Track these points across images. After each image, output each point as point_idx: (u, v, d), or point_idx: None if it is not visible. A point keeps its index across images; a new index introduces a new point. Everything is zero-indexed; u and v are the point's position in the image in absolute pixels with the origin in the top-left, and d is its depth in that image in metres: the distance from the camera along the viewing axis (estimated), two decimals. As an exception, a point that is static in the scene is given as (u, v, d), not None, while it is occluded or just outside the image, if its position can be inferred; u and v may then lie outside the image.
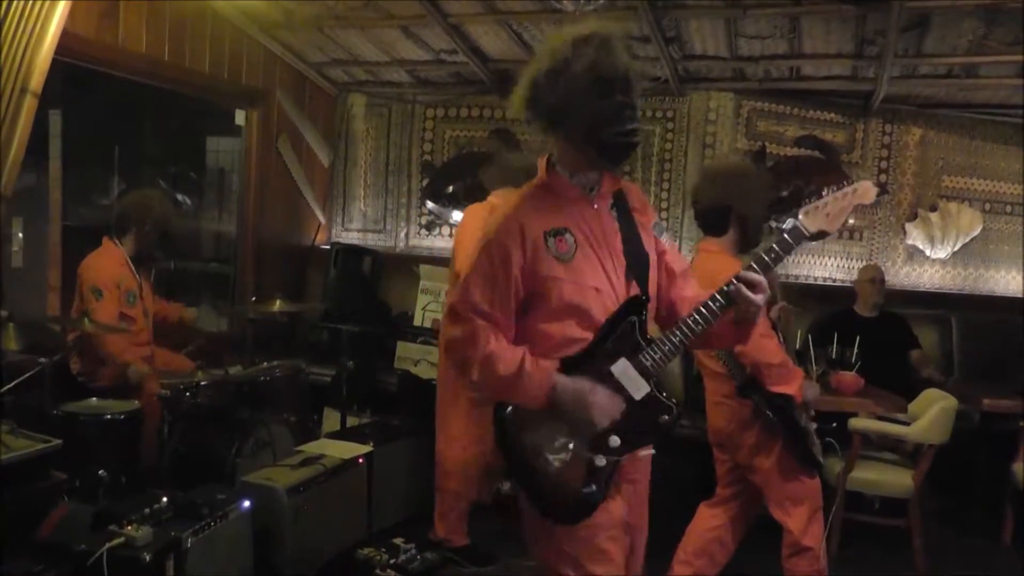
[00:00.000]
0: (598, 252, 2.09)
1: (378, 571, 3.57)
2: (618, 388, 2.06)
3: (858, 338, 4.26)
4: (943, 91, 5.23)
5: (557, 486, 2.06)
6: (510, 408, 2.07)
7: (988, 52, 4.50)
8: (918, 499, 3.94)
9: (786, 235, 2.11)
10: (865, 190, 2.16)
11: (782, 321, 3.50)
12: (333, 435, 4.29)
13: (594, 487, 2.06)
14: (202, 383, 3.96)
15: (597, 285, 2.07)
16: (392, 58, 5.80)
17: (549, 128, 2.08)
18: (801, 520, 3.14)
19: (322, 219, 6.56)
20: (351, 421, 4.69)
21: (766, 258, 2.10)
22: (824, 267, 5.70)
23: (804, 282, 5.61)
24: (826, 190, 2.31)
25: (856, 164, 5.57)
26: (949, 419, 3.83)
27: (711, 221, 3.22)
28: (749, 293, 2.03)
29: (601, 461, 2.05)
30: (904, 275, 5.60)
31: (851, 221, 5.60)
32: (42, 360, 3.65)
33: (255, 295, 5.24)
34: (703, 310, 2.07)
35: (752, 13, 4.46)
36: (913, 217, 5.57)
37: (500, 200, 3.78)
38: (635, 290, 2.12)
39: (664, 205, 5.77)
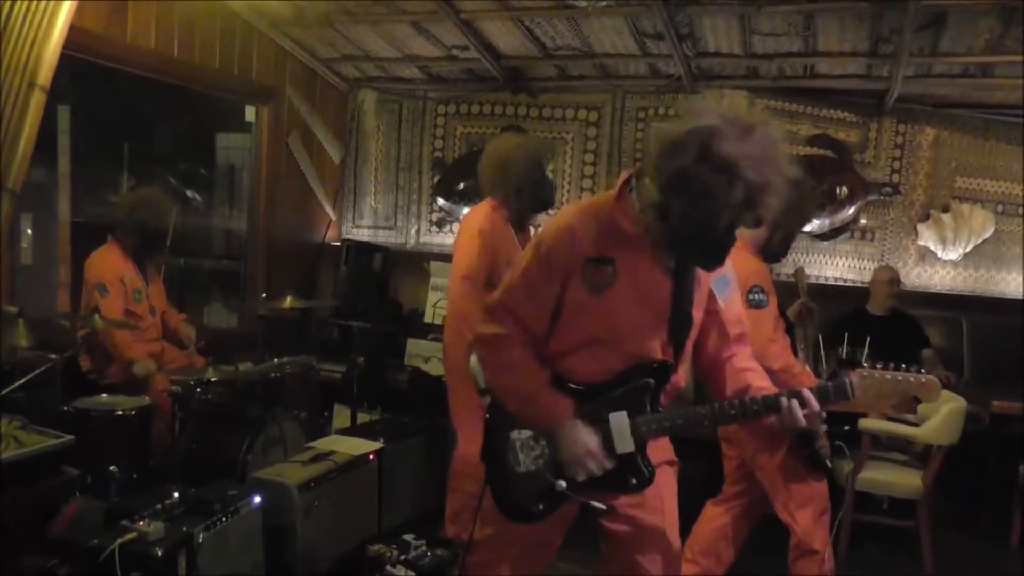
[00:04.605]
0: (637, 296, 2.00)
1: (388, 567, 3.57)
2: (607, 436, 2.05)
3: (869, 338, 4.24)
4: (958, 91, 5.19)
5: (514, 487, 2.13)
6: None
7: (1004, 52, 4.47)
8: (927, 500, 3.92)
9: (831, 387, 2.05)
10: (932, 388, 2.05)
11: (805, 317, 3.49)
12: (344, 432, 4.29)
13: (542, 507, 2.11)
14: (213, 380, 3.97)
15: (618, 327, 2.02)
16: (403, 54, 5.79)
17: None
18: (807, 522, 3.13)
19: (333, 216, 6.55)
20: (362, 418, 4.69)
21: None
22: (836, 267, 5.67)
23: (816, 282, 5.57)
24: (894, 367, 2.10)
25: (869, 164, 5.54)
26: (959, 420, 3.81)
27: None
28: (798, 413, 1.97)
29: (561, 487, 2.07)
30: (915, 276, 5.56)
31: (863, 221, 5.58)
32: (53, 356, 3.67)
33: (266, 292, 5.24)
34: (730, 411, 2.04)
35: (767, 10, 4.43)
36: (925, 218, 5.53)
37: (493, 204, 3.75)
38: (668, 352, 2.07)
39: (675, 204, 5.73)
